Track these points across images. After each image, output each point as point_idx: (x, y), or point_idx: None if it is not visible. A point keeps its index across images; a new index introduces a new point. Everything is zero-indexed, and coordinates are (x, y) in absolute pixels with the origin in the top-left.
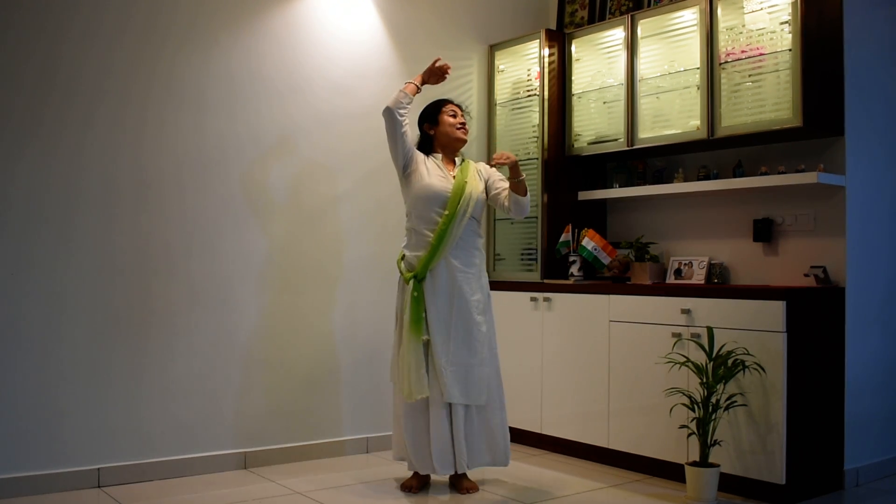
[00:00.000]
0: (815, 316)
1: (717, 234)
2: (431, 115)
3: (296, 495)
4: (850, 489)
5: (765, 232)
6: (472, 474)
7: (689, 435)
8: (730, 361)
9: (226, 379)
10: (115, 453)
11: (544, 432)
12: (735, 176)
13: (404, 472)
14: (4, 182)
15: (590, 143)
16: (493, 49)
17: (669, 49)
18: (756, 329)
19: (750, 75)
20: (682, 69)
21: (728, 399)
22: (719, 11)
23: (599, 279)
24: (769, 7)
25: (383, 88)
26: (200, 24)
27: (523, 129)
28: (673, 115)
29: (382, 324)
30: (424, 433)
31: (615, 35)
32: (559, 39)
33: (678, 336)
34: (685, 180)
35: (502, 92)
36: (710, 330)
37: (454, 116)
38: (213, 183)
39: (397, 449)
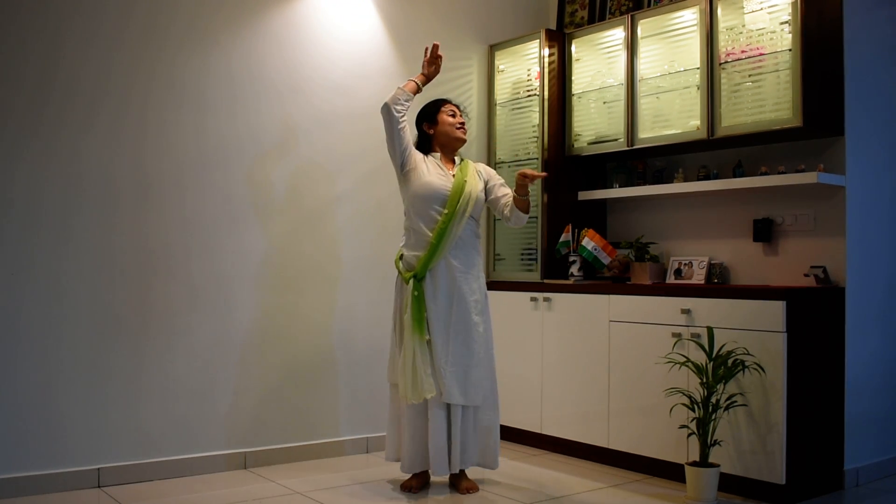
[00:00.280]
0: (815, 316)
1: (717, 234)
2: (430, 115)
3: (295, 495)
4: (850, 489)
5: (765, 232)
6: (472, 474)
7: (689, 435)
8: (730, 361)
9: (225, 379)
10: (115, 453)
11: (544, 432)
12: (735, 176)
13: None
14: (5, 182)
15: (590, 143)
16: (493, 49)
17: (669, 49)
18: (756, 329)
19: (750, 75)
20: (682, 69)
21: (728, 399)
22: (719, 11)
23: (599, 279)
24: (769, 7)
25: (383, 88)
26: (200, 24)
27: (523, 129)
28: (673, 115)
29: (381, 324)
30: (424, 434)
31: (615, 35)
32: (559, 39)
33: (678, 336)
34: (685, 180)
35: (502, 92)
36: (710, 330)
37: (453, 116)
38: (213, 183)
39: (391, 450)
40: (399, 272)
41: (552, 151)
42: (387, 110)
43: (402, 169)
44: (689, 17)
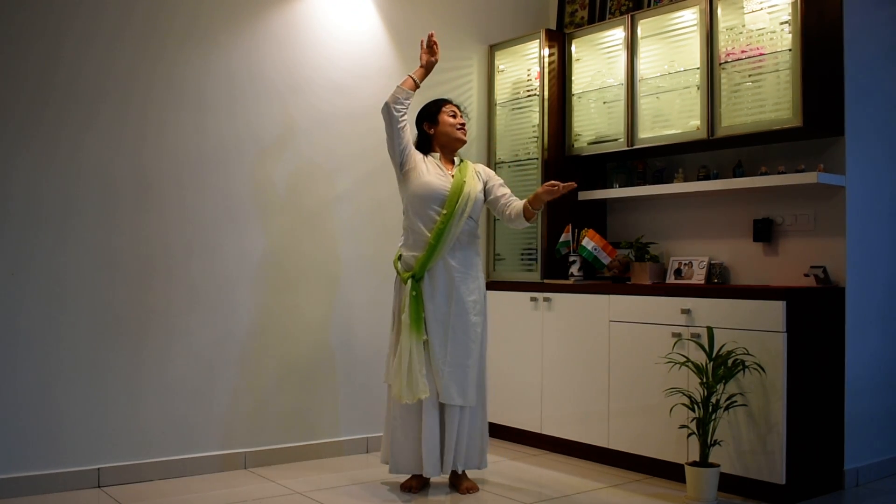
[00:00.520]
0: (815, 316)
1: (717, 234)
2: (431, 115)
3: (295, 495)
4: (850, 489)
5: (765, 232)
6: (472, 474)
7: (689, 435)
8: (730, 361)
9: (225, 379)
10: (115, 453)
11: (544, 432)
12: (735, 176)
13: None
14: (4, 182)
15: (590, 143)
16: (493, 49)
17: (669, 49)
18: (756, 329)
19: (750, 75)
20: (682, 69)
21: (728, 399)
22: (719, 11)
23: (599, 279)
24: (769, 7)
25: (383, 88)
26: (200, 24)
27: (523, 129)
28: (673, 115)
29: (381, 324)
30: (418, 434)
31: (615, 35)
32: (559, 39)
33: (678, 336)
34: (685, 180)
35: (502, 92)
36: (710, 330)
37: (454, 117)
38: (212, 183)
39: (386, 452)
40: (398, 272)
41: (552, 151)
42: (387, 110)
43: (402, 168)
44: (689, 17)
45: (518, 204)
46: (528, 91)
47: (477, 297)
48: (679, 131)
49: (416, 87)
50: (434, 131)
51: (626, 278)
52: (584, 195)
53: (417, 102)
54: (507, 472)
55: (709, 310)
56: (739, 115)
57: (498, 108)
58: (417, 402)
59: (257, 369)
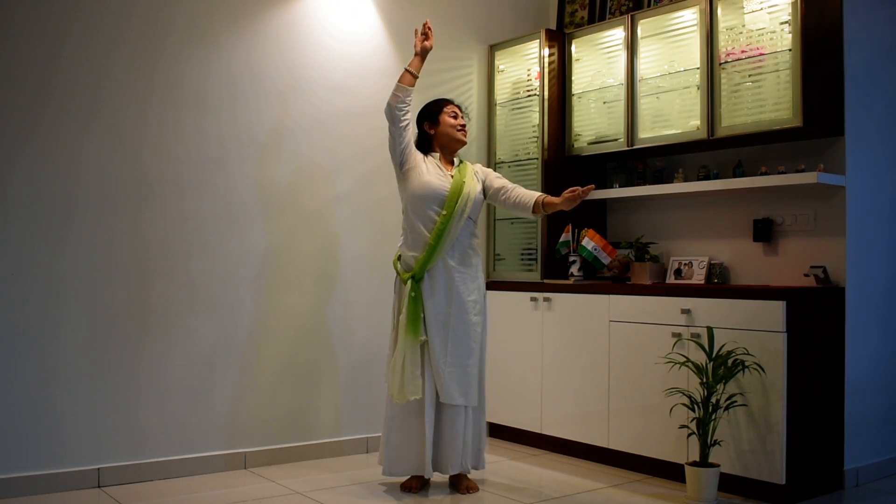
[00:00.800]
0: (815, 316)
1: (717, 234)
2: (432, 115)
3: (295, 495)
4: (850, 489)
5: (765, 232)
6: (472, 474)
7: (689, 435)
8: (730, 361)
9: (225, 379)
10: (115, 453)
11: (544, 432)
12: (735, 176)
13: None
14: (4, 182)
15: (590, 143)
16: (493, 49)
17: (669, 49)
18: (756, 329)
19: (750, 75)
20: (682, 69)
21: (728, 399)
22: (719, 11)
23: (599, 279)
24: (769, 7)
25: (383, 88)
26: (200, 24)
27: (523, 129)
28: (673, 115)
29: (381, 323)
30: (416, 435)
31: (615, 35)
32: (559, 39)
33: (678, 336)
34: (685, 180)
35: (502, 92)
36: (710, 330)
37: (455, 118)
38: (212, 183)
39: (382, 454)
40: (397, 272)
41: (552, 151)
42: (390, 111)
43: (402, 168)
44: (689, 17)
45: (523, 195)
46: (528, 91)
47: (477, 296)
48: (679, 131)
49: (415, 78)
50: (435, 132)
51: (626, 278)
52: None
53: (418, 102)
54: (507, 472)
55: (709, 310)
56: (739, 115)
57: (498, 108)
58: (415, 402)
59: (257, 369)
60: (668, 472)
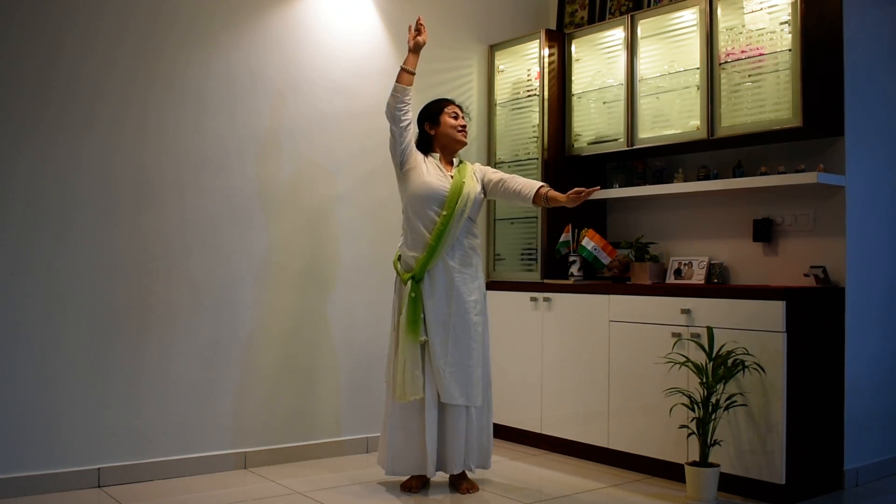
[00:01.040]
0: (814, 316)
1: (717, 234)
2: (433, 115)
3: (295, 495)
4: (850, 489)
5: (765, 232)
6: (472, 474)
7: (689, 435)
8: (730, 361)
9: (225, 379)
10: (115, 453)
11: (544, 432)
12: (735, 176)
13: None
14: (4, 182)
15: (590, 143)
16: (493, 49)
17: (669, 49)
18: (756, 329)
19: (750, 75)
20: (681, 69)
21: (728, 399)
22: (719, 11)
23: (599, 279)
24: (769, 7)
25: (383, 88)
26: (200, 24)
27: (523, 129)
28: (673, 115)
29: (381, 324)
30: (417, 435)
31: (615, 35)
32: (559, 39)
33: (678, 336)
34: (685, 180)
35: (502, 92)
36: (709, 330)
37: (456, 118)
38: (212, 183)
39: (383, 454)
40: (397, 272)
41: (552, 151)
42: (390, 112)
43: (402, 167)
44: (688, 18)
45: (524, 183)
46: (528, 91)
47: (477, 296)
48: (679, 131)
49: (412, 75)
50: (435, 132)
51: (626, 278)
52: None
53: (418, 102)
54: (507, 472)
55: (709, 310)
56: (739, 115)
57: (498, 108)
58: (417, 401)
59: (257, 369)
60: (668, 472)
